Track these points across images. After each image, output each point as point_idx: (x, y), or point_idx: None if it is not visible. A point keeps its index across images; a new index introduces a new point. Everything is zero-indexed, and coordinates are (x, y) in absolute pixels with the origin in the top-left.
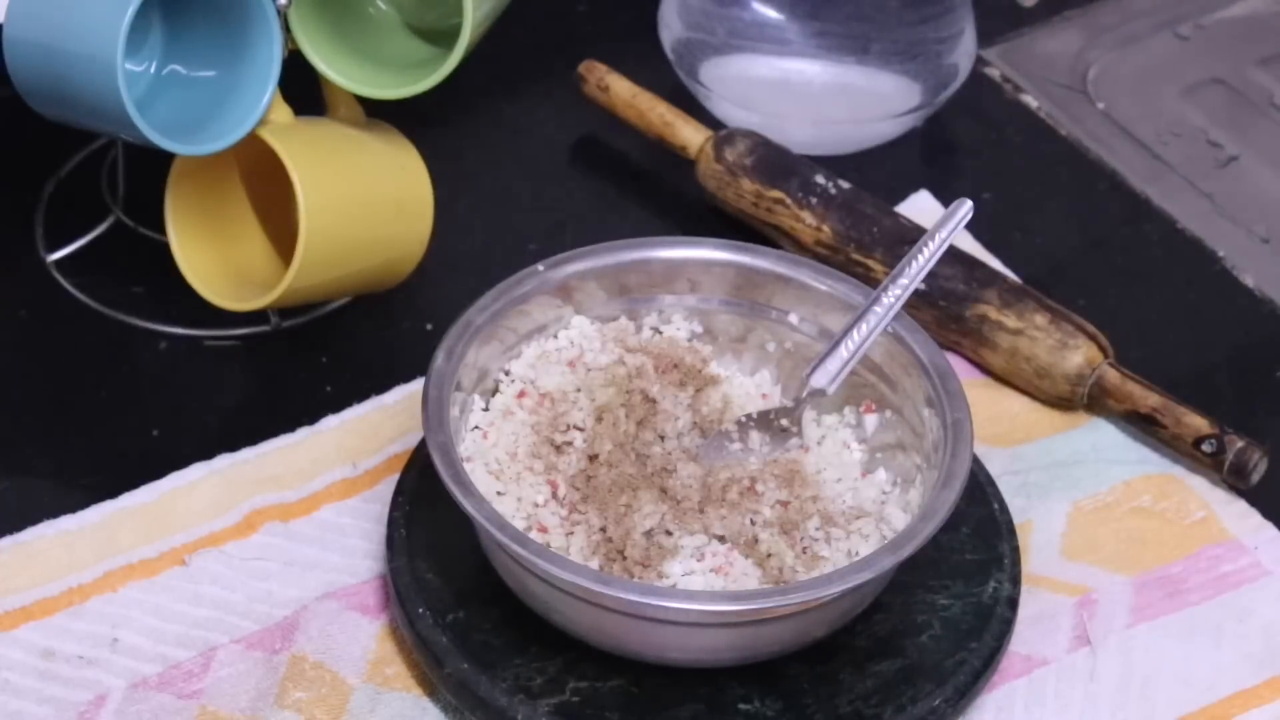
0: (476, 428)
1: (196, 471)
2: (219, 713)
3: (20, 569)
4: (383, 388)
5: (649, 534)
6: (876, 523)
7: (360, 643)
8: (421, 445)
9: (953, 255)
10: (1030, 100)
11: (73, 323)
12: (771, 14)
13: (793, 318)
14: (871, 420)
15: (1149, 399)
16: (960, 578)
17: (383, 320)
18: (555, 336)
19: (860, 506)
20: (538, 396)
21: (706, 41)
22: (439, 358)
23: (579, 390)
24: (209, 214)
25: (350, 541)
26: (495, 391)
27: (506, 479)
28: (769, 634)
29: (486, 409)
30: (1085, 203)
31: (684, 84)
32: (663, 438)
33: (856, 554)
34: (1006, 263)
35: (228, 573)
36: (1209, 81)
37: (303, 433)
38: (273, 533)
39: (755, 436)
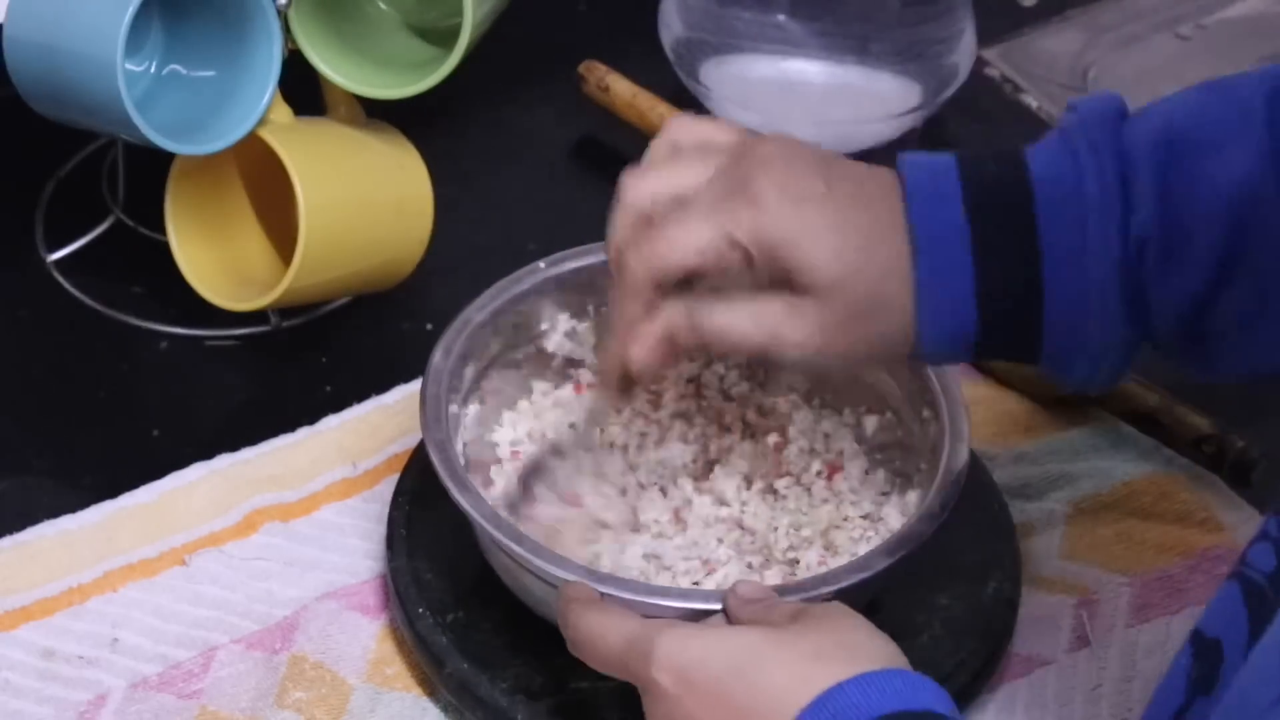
0: None
1: (196, 471)
2: (219, 713)
3: (20, 569)
4: (383, 388)
5: None
6: (875, 523)
7: (360, 643)
8: (421, 445)
9: None
10: (1030, 100)
11: (73, 323)
12: (771, 14)
13: None
14: (871, 421)
15: (1149, 399)
16: (960, 578)
17: (383, 320)
18: (553, 333)
19: (859, 507)
20: None
21: (706, 41)
22: (437, 355)
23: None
24: (209, 214)
25: (350, 541)
26: None
27: None
28: None
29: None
30: None
31: (684, 84)
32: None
33: (854, 554)
34: None
35: (228, 573)
36: None
37: (303, 433)
38: (273, 533)
39: None
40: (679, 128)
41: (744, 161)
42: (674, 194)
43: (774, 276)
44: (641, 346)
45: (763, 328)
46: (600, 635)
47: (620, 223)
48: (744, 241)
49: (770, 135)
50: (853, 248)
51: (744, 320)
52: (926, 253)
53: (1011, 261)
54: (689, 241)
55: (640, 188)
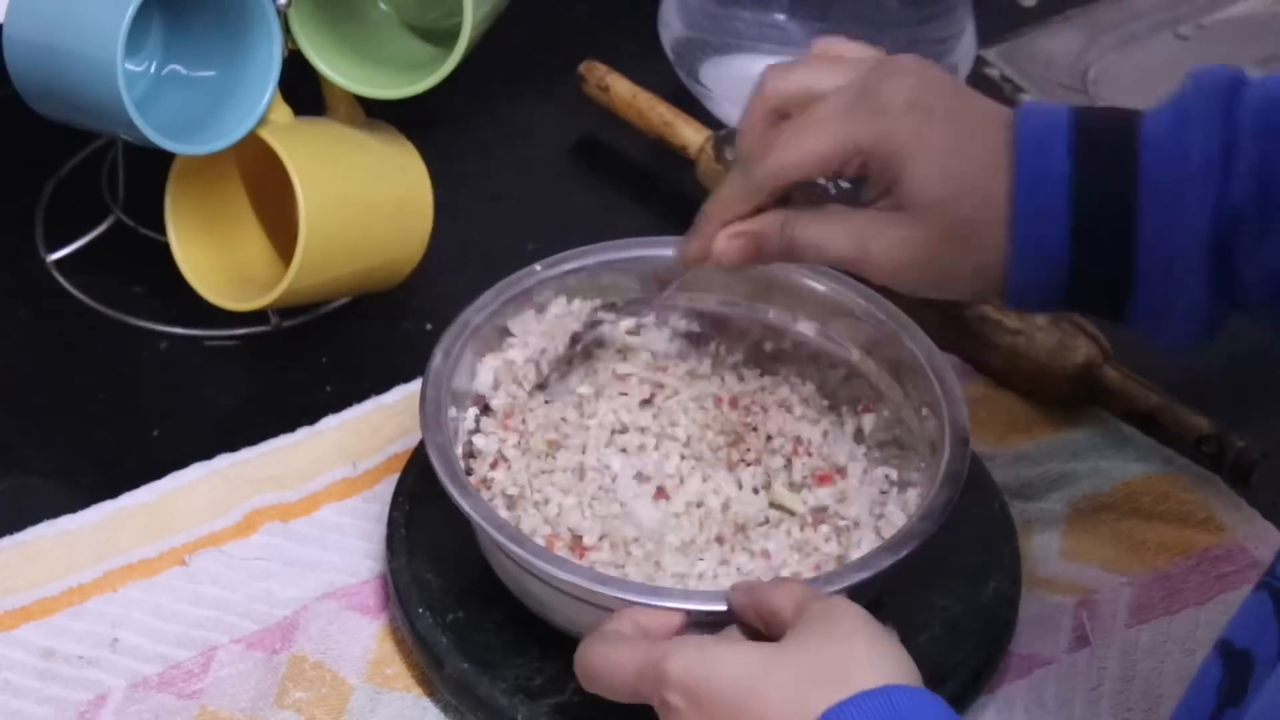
0: None
1: (196, 471)
2: (219, 713)
3: (20, 569)
4: (383, 388)
5: None
6: (875, 522)
7: (360, 643)
8: (421, 445)
9: None
10: (1030, 100)
11: (73, 323)
12: (771, 14)
13: (791, 318)
14: (870, 420)
15: (1149, 399)
16: (960, 578)
17: (383, 320)
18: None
19: (859, 506)
20: None
21: (706, 41)
22: (437, 358)
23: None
24: (209, 214)
25: (350, 541)
26: None
27: None
28: None
29: None
30: None
31: (684, 84)
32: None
33: (855, 554)
34: None
35: (228, 573)
36: None
37: (303, 433)
38: (273, 533)
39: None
40: (823, 43)
41: (878, 72)
42: (810, 92)
43: (879, 187)
44: (732, 242)
45: (852, 238)
46: (610, 667)
47: (753, 114)
48: (866, 146)
49: (907, 55)
50: (961, 174)
51: (837, 231)
52: (1027, 192)
53: (1108, 214)
54: (814, 147)
55: (779, 82)
